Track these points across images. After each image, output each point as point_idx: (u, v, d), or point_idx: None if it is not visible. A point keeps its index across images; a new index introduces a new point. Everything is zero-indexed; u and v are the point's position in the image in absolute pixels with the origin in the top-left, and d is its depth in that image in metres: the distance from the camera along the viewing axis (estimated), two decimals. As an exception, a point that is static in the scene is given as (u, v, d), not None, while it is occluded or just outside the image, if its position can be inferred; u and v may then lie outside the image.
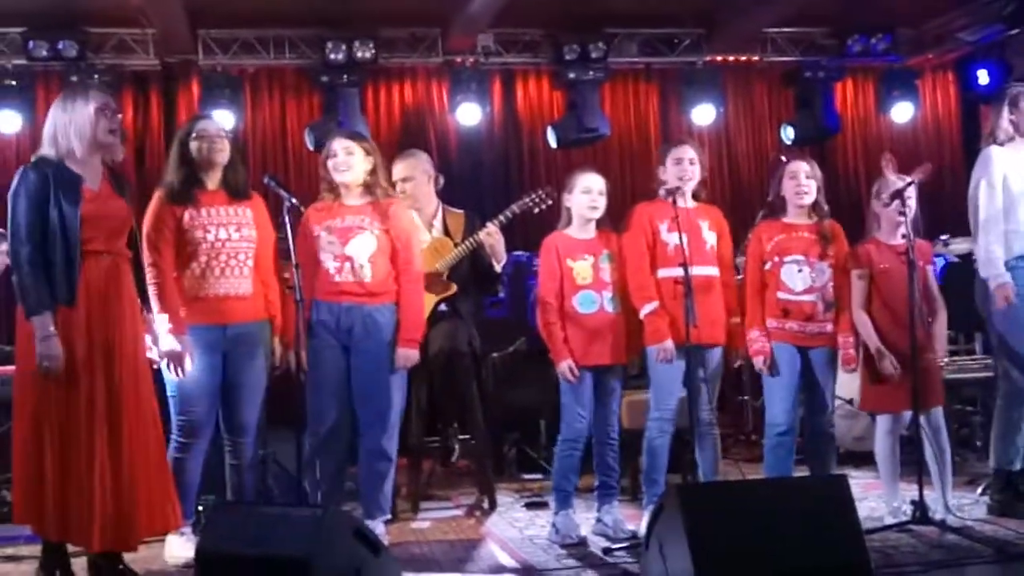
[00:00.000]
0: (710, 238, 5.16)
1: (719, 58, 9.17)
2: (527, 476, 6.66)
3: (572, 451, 5.11)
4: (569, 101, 8.89)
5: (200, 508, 5.00)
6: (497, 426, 6.68)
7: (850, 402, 6.63)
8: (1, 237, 5.33)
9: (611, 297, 5.12)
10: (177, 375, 4.70)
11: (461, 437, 6.52)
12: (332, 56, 8.27)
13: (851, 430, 6.73)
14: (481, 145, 9.09)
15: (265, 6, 8.05)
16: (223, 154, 4.87)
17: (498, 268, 5.79)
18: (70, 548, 4.38)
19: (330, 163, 5.06)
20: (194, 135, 4.86)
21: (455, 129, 8.97)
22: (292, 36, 8.48)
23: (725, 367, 5.29)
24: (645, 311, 5.05)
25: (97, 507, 4.14)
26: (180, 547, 4.76)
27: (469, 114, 8.67)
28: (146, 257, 4.72)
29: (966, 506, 5.40)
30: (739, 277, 5.51)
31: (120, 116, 4.43)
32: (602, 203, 5.16)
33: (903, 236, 5.00)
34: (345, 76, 8.34)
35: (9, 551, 4.94)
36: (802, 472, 5.28)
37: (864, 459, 6.65)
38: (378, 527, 4.96)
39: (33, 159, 4.31)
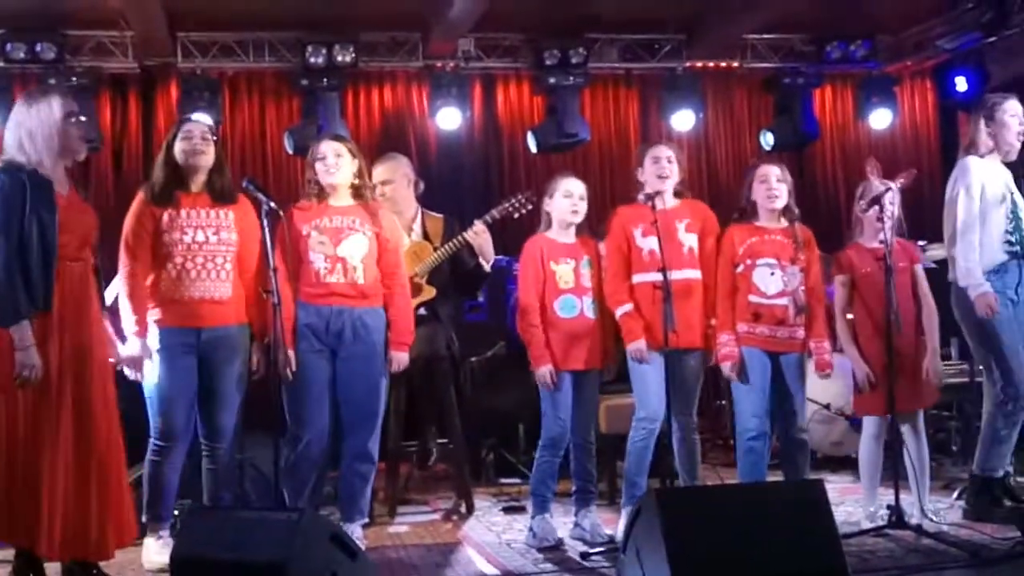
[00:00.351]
0: (688, 240, 5.15)
1: (699, 64, 9.19)
2: (505, 480, 6.66)
3: (551, 456, 5.11)
4: (549, 106, 8.89)
5: (177, 512, 4.97)
6: (475, 430, 6.68)
7: (827, 407, 6.66)
8: None
9: (591, 302, 5.13)
10: (136, 378, 4.68)
11: (439, 441, 6.50)
12: (312, 60, 8.24)
13: (828, 435, 6.75)
14: (461, 150, 9.09)
15: (245, 9, 8.03)
16: (206, 157, 4.84)
17: (487, 267, 5.79)
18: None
19: (319, 165, 5.04)
20: (180, 136, 4.84)
21: (435, 133, 8.96)
22: (272, 39, 8.45)
23: (704, 371, 5.29)
24: (619, 313, 5.08)
25: (59, 515, 4.10)
26: (157, 551, 4.75)
27: (449, 119, 8.67)
28: (122, 257, 4.71)
29: (942, 510, 5.42)
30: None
31: (84, 120, 4.39)
32: (583, 208, 5.17)
33: (880, 242, 5.02)
34: (325, 80, 8.32)
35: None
36: (776, 477, 5.29)
37: (841, 464, 6.69)
38: (355, 531, 4.95)
39: (1, 163, 4.25)
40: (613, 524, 5.20)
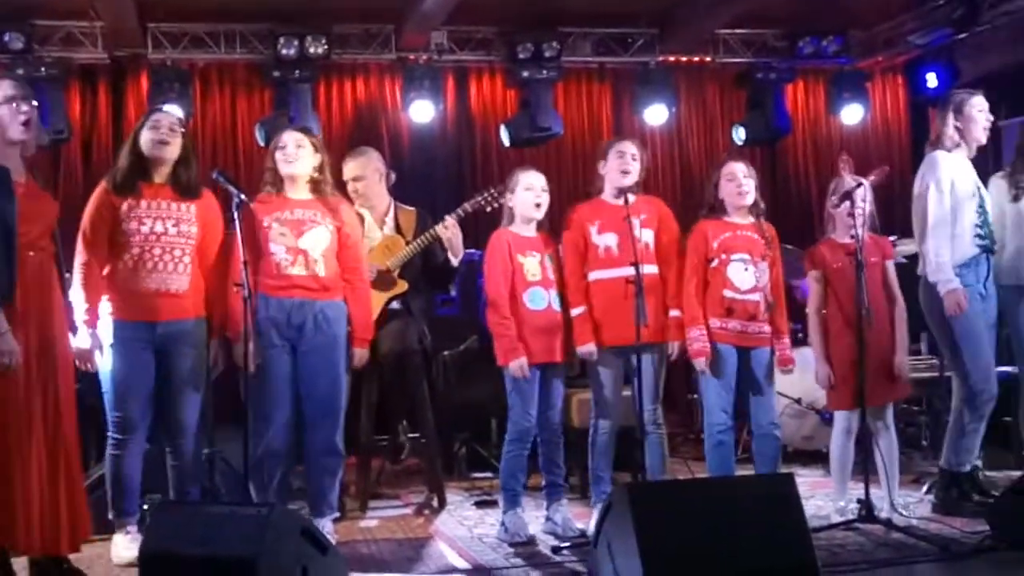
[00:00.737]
0: (645, 235, 5.14)
1: (672, 58, 9.20)
2: (477, 475, 6.65)
3: (520, 450, 5.11)
4: (522, 100, 8.88)
5: (145, 506, 4.93)
6: (447, 424, 6.67)
7: (798, 401, 6.69)
8: None
9: (556, 295, 5.14)
10: (85, 368, 4.62)
11: (411, 435, 6.49)
12: (284, 51, 8.19)
13: (799, 429, 6.79)
14: (434, 142, 9.05)
15: (215, 0, 7.97)
16: (171, 148, 4.78)
17: (455, 262, 5.77)
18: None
19: (278, 154, 5.01)
20: (147, 126, 4.79)
21: (408, 126, 8.93)
22: (243, 31, 8.39)
23: (668, 363, 5.29)
24: (574, 314, 5.11)
25: (35, 509, 4.07)
26: (125, 546, 4.71)
27: (422, 111, 8.64)
28: (79, 247, 4.64)
29: (911, 504, 5.45)
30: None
31: (34, 105, 4.28)
32: (545, 200, 5.17)
33: (851, 237, 5.04)
34: (297, 72, 8.27)
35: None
36: (745, 470, 5.31)
37: (812, 458, 6.72)
38: (326, 525, 4.93)
39: None
40: (585, 518, 5.20)
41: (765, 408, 5.16)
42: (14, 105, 4.21)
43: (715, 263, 5.13)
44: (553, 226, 5.31)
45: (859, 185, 5.10)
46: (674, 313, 5.15)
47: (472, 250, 6.84)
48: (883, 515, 5.02)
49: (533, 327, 5.08)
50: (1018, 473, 5.27)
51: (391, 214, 5.89)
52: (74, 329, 4.55)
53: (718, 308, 5.10)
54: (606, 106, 9.44)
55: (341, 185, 5.83)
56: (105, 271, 4.73)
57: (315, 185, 5.04)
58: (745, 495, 4.04)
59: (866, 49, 9.37)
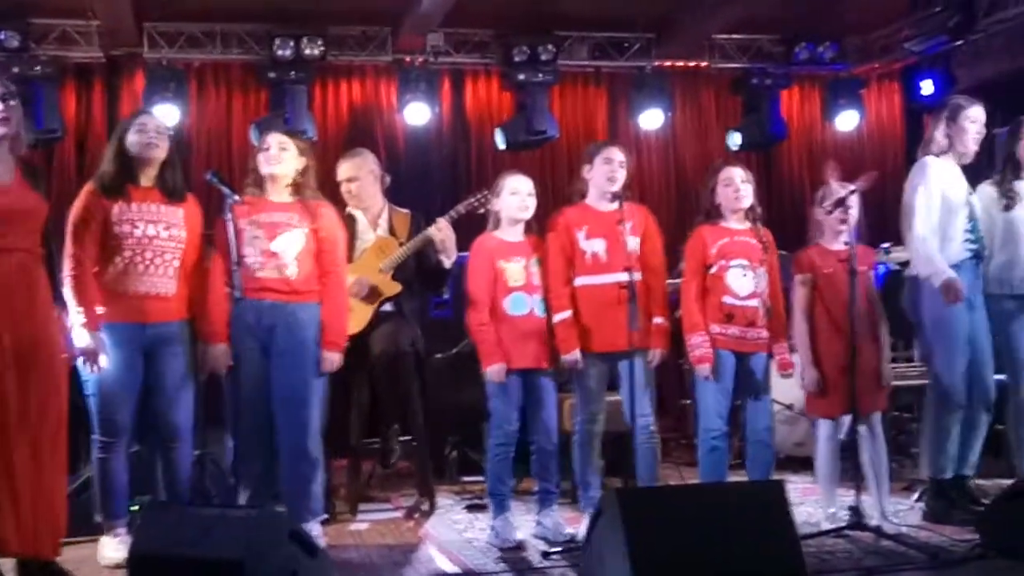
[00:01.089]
0: (631, 242, 5.12)
1: (668, 63, 9.22)
2: (468, 479, 6.63)
3: (504, 455, 5.10)
4: (518, 103, 8.89)
5: (135, 508, 4.91)
6: (439, 428, 6.65)
7: (790, 407, 6.69)
8: None
9: (540, 301, 5.12)
10: (92, 371, 4.58)
11: (402, 438, 6.47)
12: (280, 52, 8.20)
13: (791, 435, 6.79)
14: (429, 145, 9.07)
15: (212, 0, 7.97)
16: (160, 151, 4.76)
17: (448, 264, 5.76)
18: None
19: (261, 155, 5.00)
20: (133, 129, 4.77)
21: (403, 128, 8.94)
22: (239, 31, 8.41)
23: (657, 370, 5.27)
24: (556, 319, 5.08)
25: (21, 511, 4.05)
26: (113, 548, 4.69)
27: (418, 113, 8.64)
28: (68, 248, 4.60)
29: (902, 512, 5.45)
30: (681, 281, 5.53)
31: (13, 103, 4.22)
32: (532, 204, 5.16)
33: (845, 243, 5.04)
34: (293, 72, 8.29)
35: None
36: (739, 477, 5.30)
37: (803, 464, 6.71)
38: (315, 528, 4.90)
39: None
40: (576, 523, 5.19)
41: (760, 414, 5.15)
42: None
43: (714, 269, 5.12)
44: (544, 230, 5.30)
45: (852, 192, 5.09)
46: (658, 320, 5.14)
47: (465, 253, 6.83)
48: (873, 523, 5.02)
49: (515, 333, 5.07)
50: (1009, 482, 5.27)
51: (385, 216, 5.89)
52: (67, 331, 4.53)
53: (718, 314, 5.09)
54: (602, 110, 9.46)
55: (334, 186, 5.83)
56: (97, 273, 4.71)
57: (296, 188, 5.02)
58: (735, 502, 4.05)
59: (862, 56, 9.40)
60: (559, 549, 4.86)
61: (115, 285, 4.68)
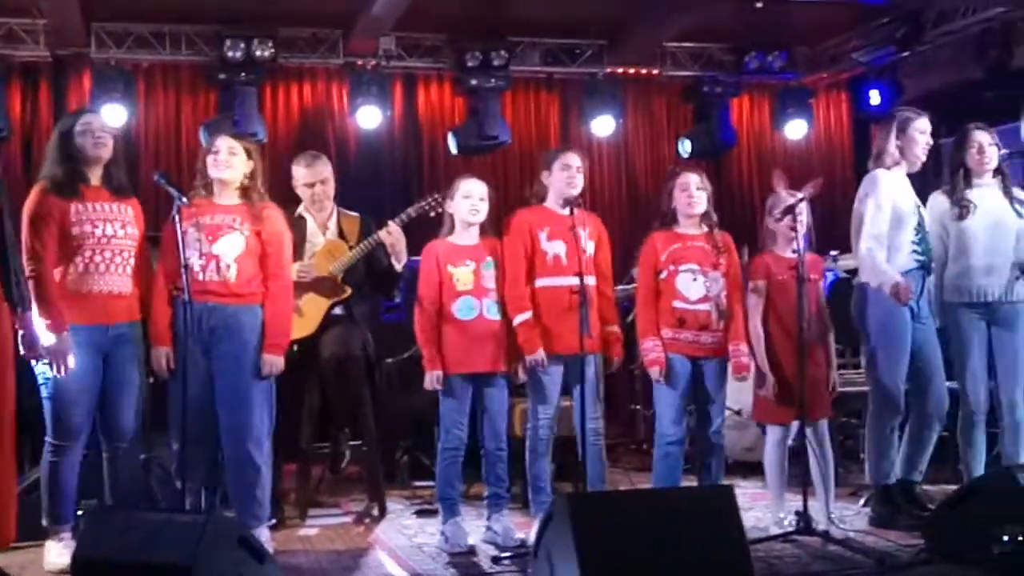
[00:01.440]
0: (588, 247, 5.17)
1: (620, 70, 9.26)
2: (419, 483, 6.60)
3: (453, 459, 5.10)
4: (470, 108, 8.89)
5: (80, 513, 4.84)
6: (390, 432, 6.63)
7: (738, 412, 6.73)
8: None
9: (492, 304, 5.12)
10: (60, 373, 4.53)
11: (352, 443, 6.43)
12: (230, 54, 8.13)
13: (740, 440, 6.83)
14: (381, 149, 9.03)
15: (162, 1, 7.89)
16: (107, 149, 4.77)
17: (398, 267, 5.74)
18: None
19: (210, 159, 4.96)
20: (79, 129, 4.73)
21: (355, 132, 8.90)
22: (189, 32, 8.32)
23: (610, 375, 5.31)
24: (517, 320, 5.07)
25: None
26: (58, 553, 4.63)
27: (369, 117, 8.61)
28: (25, 248, 4.54)
29: (848, 517, 5.50)
30: (634, 286, 5.55)
31: None
32: (484, 208, 5.16)
33: (793, 251, 5.08)
34: (243, 74, 8.22)
35: None
36: (690, 481, 5.33)
37: (752, 469, 6.75)
38: (263, 533, 4.86)
39: None
40: (526, 528, 5.18)
41: (710, 418, 5.18)
42: None
43: (664, 274, 5.15)
44: (500, 232, 5.29)
45: (801, 199, 5.14)
46: (612, 328, 5.20)
47: (417, 257, 6.81)
48: (820, 527, 5.06)
49: (464, 337, 5.07)
50: (954, 487, 5.33)
51: (334, 219, 5.85)
52: (25, 334, 4.43)
53: (670, 319, 5.12)
54: (554, 116, 9.48)
55: (284, 188, 5.79)
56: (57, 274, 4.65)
57: (244, 191, 4.99)
58: (684, 506, 4.07)
59: (811, 65, 9.50)
60: (509, 554, 4.85)
61: (77, 286, 4.65)
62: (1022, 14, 7.81)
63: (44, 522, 4.71)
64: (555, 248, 5.09)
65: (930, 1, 8.03)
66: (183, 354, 4.77)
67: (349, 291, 5.70)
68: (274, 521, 5.16)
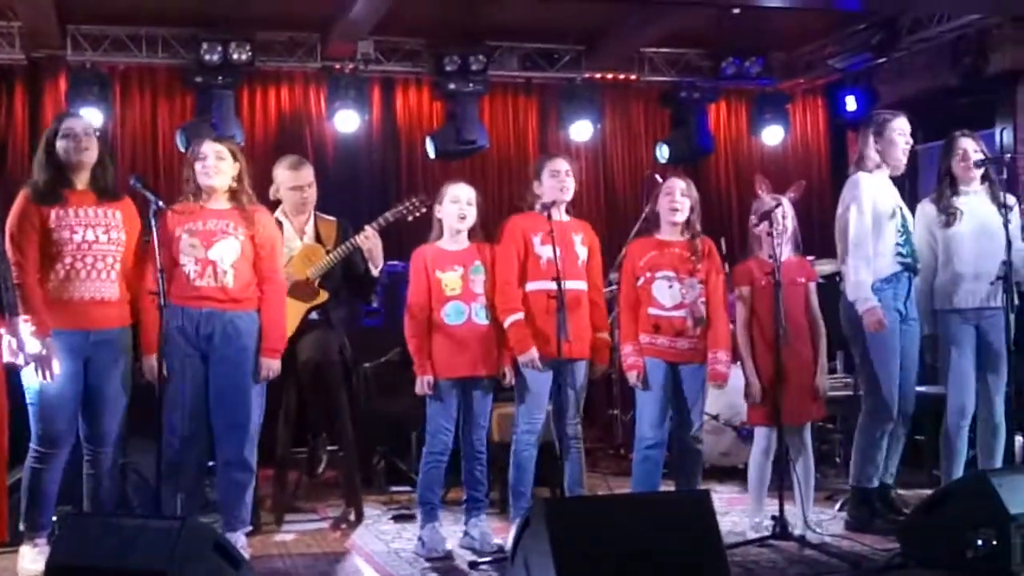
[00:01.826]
0: (582, 253, 5.21)
1: (598, 75, 9.27)
2: (396, 488, 6.59)
3: (437, 463, 5.10)
4: (448, 112, 8.88)
5: (56, 519, 4.81)
6: (367, 437, 6.61)
7: (716, 417, 6.75)
8: None
9: (480, 308, 5.12)
10: (45, 378, 4.51)
11: (329, 448, 6.42)
12: (207, 57, 8.08)
13: (717, 445, 6.84)
14: (359, 153, 9.00)
15: (138, 4, 7.85)
16: (90, 153, 4.74)
17: (375, 272, 5.74)
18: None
19: (198, 165, 4.94)
20: (60, 134, 4.72)
21: (332, 136, 8.87)
22: (165, 35, 8.27)
23: (591, 381, 5.32)
24: (508, 322, 5.07)
25: None
26: (32, 560, 4.61)
27: (347, 121, 8.58)
28: (10, 257, 4.54)
29: (825, 522, 5.53)
30: (612, 289, 5.55)
31: None
32: (471, 213, 5.16)
33: (769, 256, 5.10)
34: (220, 77, 8.17)
35: None
36: (669, 486, 5.34)
37: (729, 474, 6.78)
38: (239, 539, 4.86)
39: None
40: (504, 533, 5.18)
41: (688, 423, 5.19)
42: None
43: (640, 281, 5.18)
44: (488, 238, 5.29)
45: (778, 205, 5.17)
46: (601, 335, 5.23)
47: (396, 262, 6.81)
48: (797, 532, 5.08)
49: (451, 342, 5.07)
50: (929, 491, 5.36)
51: (311, 223, 5.83)
52: (13, 340, 4.42)
53: (646, 325, 5.14)
54: (532, 120, 9.48)
55: (264, 190, 5.78)
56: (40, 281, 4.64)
57: (233, 194, 4.98)
58: (661, 511, 4.08)
59: (787, 71, 9.54)
60: (487, 559, 4.85)
61: (59, 292, 4.65)
62: (996, 21, 7.86)
63: (22, 527, 4.68)
64: (547, 252, 5.08)
65: (905, 8, 8.07)
66: (174, 360, 4.77)
67: (326, 295, 5.68)
68: (250, 527, 5.13)
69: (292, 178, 5.74)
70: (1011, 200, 5.44)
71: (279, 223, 5.70)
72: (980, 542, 4.37)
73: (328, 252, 5.68)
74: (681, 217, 5.22)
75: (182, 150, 8.15)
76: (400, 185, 8.97)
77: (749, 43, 9.01)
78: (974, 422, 5.47)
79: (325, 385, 5.73)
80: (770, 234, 5.10)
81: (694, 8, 7.85)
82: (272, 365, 4.98)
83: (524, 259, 5.15)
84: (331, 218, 5.91)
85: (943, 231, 5.46)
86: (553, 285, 4.93)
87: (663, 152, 9.37)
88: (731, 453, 6.79)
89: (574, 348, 4.98)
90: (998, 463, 5.39)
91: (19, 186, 4.85)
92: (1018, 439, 5.88)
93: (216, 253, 4.86)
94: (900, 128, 5.47)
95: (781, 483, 5.07)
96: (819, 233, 6.16)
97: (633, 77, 9.38)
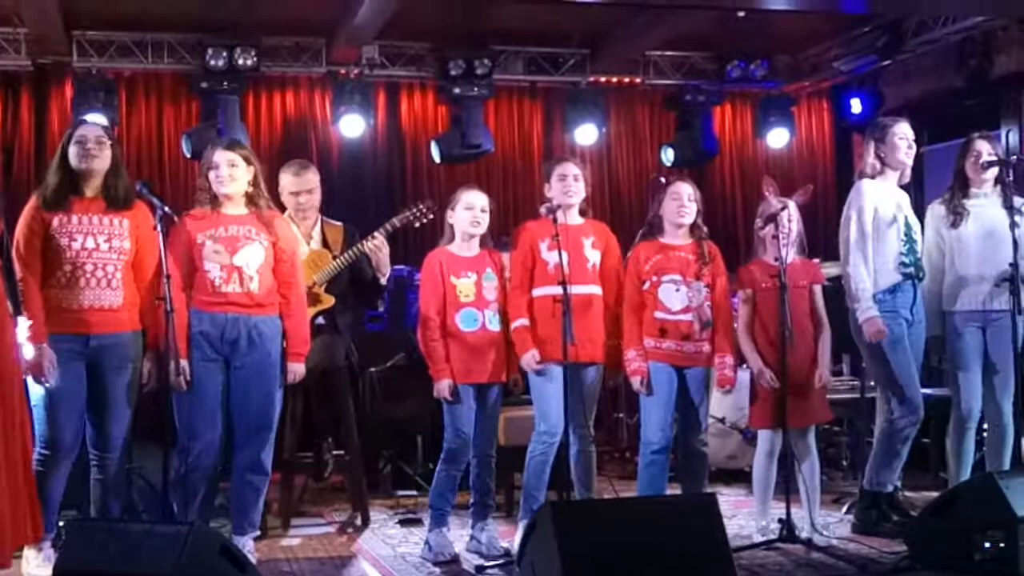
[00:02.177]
0: (592, 256, 5.18)
1: (603, 79, 9.27)
2: (402, 493, 6.59)
3: (451, 470, 5.11)
4: (453, 116, 8.88)
5: (61, 524, 4.82)
6: (373, 441, 6.62)
7: (722, 420, 6.75)
8: None
9: (493, 315, 5.12)
10: (44, 383, 4.53)
11: (335, 452, 6.43)
12: (212, 62, 8.09)
13: (723, 448, 6.84)
14: (364, 157, 9.01)
15: (143, 9, 7.87)
16: (100, 161, 4.72)
17: (383, 279, 5.74)
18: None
19: (212, 174, 4.94)
20: (74, 140, 4.72)
21: (338, 140, 8.88)
22: (171, 40, 8.29)
23: (602, 386, 5.31)
24: (514, 326, 5.10)
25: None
26: (37, 564, 4.60)
27: (352, 126, 8.60)
28: (14, 263, 4.56)
29: (832, 524, 5.52)
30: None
31: None
32: (485, 220, 5.16)
33: (775, 259, 5.10)
34: (225, 83, 8.18)
35: None
36: (675, 490, 5.34)
37: (735, 477, 6.77)
38: (246, 544, 4.86)
39: None
40: (510, 537, 5.18)
41: (694, 426, 5.18)
42: None
43: (647, 285, 5.16)
44: (484, 243, 5.29)
45: (784, 207, 5.16)
46: (612, 342, 5.19)
47: (401, 266, 6.82)
48: (804, 535, 5.07)
49: (465, 348, 5.07)
50: (936, 494, 5.35)
51: (318, 228, 5.85)
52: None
53: (652, 329, 5.13)
54: (537, 124, 9.48)
55: (274, 196, 5.78)
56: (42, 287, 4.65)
57: (250, 199, 4.99)
58: (668, 514, 4.08)
59: (792, 74, 9.53)
60: (494, 563, 4.85)
61: (59, 300, 4.65)
62: (1002, 23, 7.86)
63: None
64: (554, 258, 5.06)
65: (911, 10, 8.06)
66: (197, 366, 4.79)
67: (331, 301, 5.69)
68: (257, 532, 5.13)
69: (292, 183, 5.76)
70: (1020, 203, 5.43)
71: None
72: (988, 544, 4.37)
73: (335, 257, 5.69)
74: (688, 220, 5.22)
75: (188, 156, 8.19)
76: (405, 189, 8.99)
77: (754, 46, 9.01)
78: (982, 424, 5.46)
79: (331, 390, 5.75)
80: (775, 236, 5.10)
81: (699, 11, 7.85)
82: (298, 369, 5.02)
83: (532, 266, 5.15)
84: (338, 223, 5.92)
85: (950, 231, 5.45)
86: (559, 290, 4.92)
87: (668, 155, 9.36)
88: (737, 456, 6.79)
89: (583, 352, 4.97)
90: (1006, 466, 5.37)
91: (26, 192, 4.87)
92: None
93: (242, 259, 4.87)
94: (902, 133, 5.45)
95: (788, 486, 5.06)
96: (825, 235, 6.14)
97: (638, 80, 9.38)
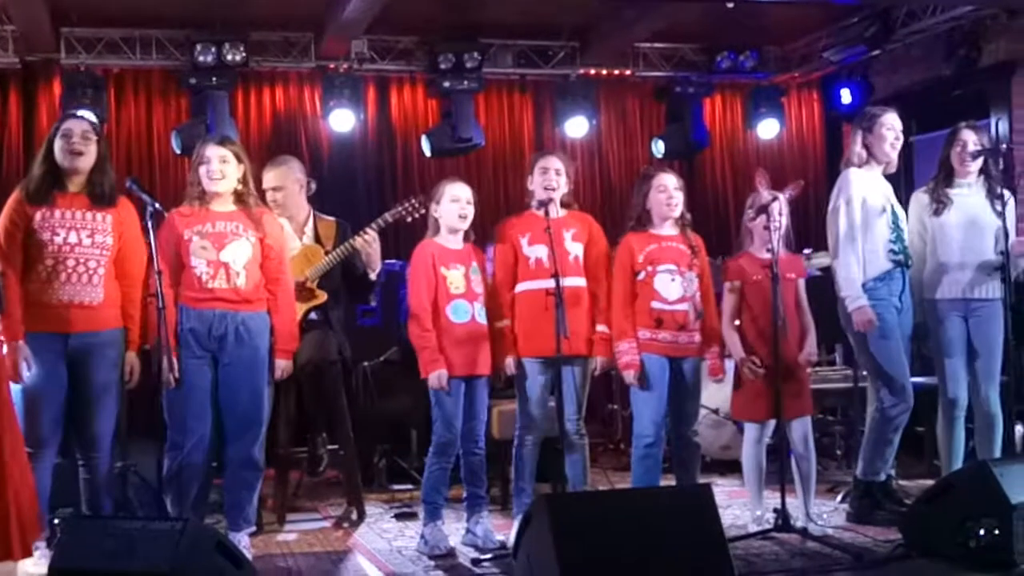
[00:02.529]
0: (574, 248, 5.19)
1: (592, 71, 9.26)
2: (397, 487, 6.60)
3: (443, 464, 5.10)
4: (444, 110, 8.87)
5: (56, 521, 4.80)
6: (367, 436, 6.62)
7: (716, 411, 6.76)
8: None
9: (481, 308, 5.13)
10: (17, 380, 4.49)
11: (330, 447, 6.42)
12: (201, 58, 8.06)
13: (717, 439, 6.86)
14: (354, 152, 8.99)
15: (131, 5, 7.84)
16: (85, 158, 4.70)
17: (373, 275, 5.73)
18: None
19: (202, 170, 4.93)
20: (60, 133, 4.70)
21: (328, 135, 8.86)
22: (159, 37, 8.26)
23: (592, 376, 5.31)
24: (498, 325, 5.15)
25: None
26: (32, 563, 4.57)
27: (342, 120, 8.58)
28: None
29: (826, 514, 5.54)
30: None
31: None
32: (470, 212, 5.16)
33: (767, 250, 5.10)
34: (214, 79, 8.14)
35: None
36: (668, 481, 5.34)
37: (729, 467, 6.79)
38: (242, 539, 4.86)
39: None
40: (506, 530, 5.19)
41: (687, 417, 5.20)
42: None
43: (642, 275, 5.16)
44: (476, 237, 5.30)
45: (775, 199, 5.17)
46: (601, 328, 5.18)
47: (392, 261, 6.81)
48: (799, 524, 5.09)
49: (456, 340, 5.06)
50: (930, 482, 5.37)
51: (310, 224, 5.84)
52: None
53: (648, 320, 5.12)
54: (527, 117, 9.46)
55: (260, 193, 5.77)
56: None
57: (239, 196, 4.98)
58: (663, 506, 4.09)
59: (782, 65, 9.53)
60: (489, 556, 4.85)
61: (39, 295, 4.62)
62: (990, 12, 7.86)
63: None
64: (536, 252, 5.09)
65: (899, 0, 8.07)
66: (184, 362, 4.77)
67: (323, 296, 5.68)
68: (253, 528, 5.13)
69: (266, 180, 5.76)
70: (1007, 193, 5.45)
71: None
72: (982, 532, 4.38)
73: (327, 253, 5.68)
74: (677, 212, 5.23)
75: (177, 152, 8.16)
76: (396, 184, 8.98)
77: (743, 37, 9.01)
78: (971, 413, 5.48)
79: (324, 385, 5.73)
80: (767, 228, 5.10)
81: (688, 2, 7.85)
82: (286, 366, 5.03)
83: (514, 262, 5.16)
84: (330, 218, 5.91)
85: (932, 219, 5.47)
86: (541, 284, 4.96)
87: (659, 147, 9.36)
88: (731, 447, 6.80)
89: (571, 345, 4.97)
90: (997, 453, 5.39)
91: (14, 189, 4.83)
92: (1018, 428, 5.89)
93: (228, 255, 4.86)
94: (889, 124, 5.46)
95: (783, 476, 5.07)
96: (815, 226, 6.15)
97: (628, 72, 9.37)
